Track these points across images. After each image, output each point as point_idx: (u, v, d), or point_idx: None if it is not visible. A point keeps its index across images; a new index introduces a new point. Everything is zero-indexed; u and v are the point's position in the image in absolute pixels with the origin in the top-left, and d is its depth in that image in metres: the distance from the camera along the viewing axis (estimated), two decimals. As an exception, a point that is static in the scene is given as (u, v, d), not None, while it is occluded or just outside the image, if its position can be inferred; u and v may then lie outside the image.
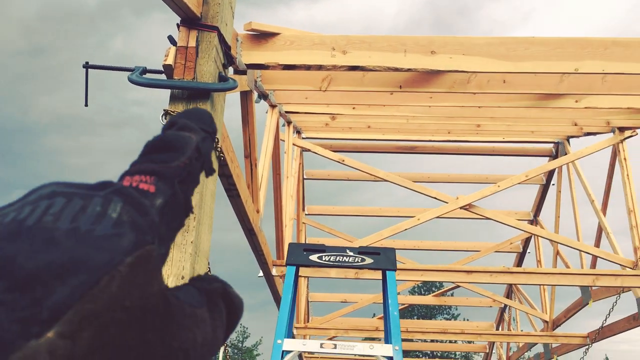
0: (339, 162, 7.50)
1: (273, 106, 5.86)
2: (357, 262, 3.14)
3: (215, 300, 0.49)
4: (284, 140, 7.09)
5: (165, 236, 0.47)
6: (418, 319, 35.95)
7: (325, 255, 3.17)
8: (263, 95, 5.31)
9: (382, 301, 3.17)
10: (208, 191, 2.68)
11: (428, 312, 38.70)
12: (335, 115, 6.62)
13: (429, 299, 14.42)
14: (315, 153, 7.64)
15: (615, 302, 6.27)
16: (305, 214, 9.94)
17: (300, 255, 3.20)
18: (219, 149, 2.77)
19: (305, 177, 9.49)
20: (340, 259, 3.16)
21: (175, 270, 2.39)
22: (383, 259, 3.15)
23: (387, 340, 2.80)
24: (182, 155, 0.55)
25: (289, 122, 7.16)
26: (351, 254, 3.17)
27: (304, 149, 8.09)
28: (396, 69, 3.68)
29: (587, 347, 7.58)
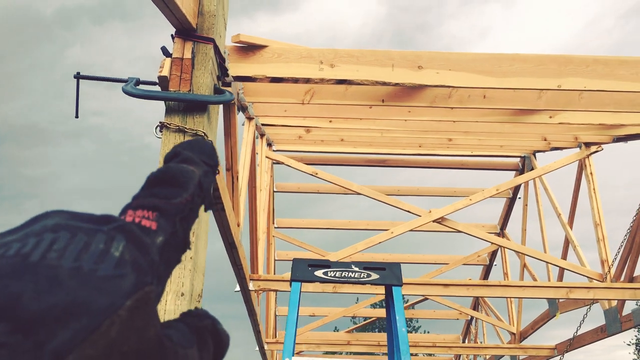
0: (312, 174, 7.48)
1: (250, 118, 5.81)
2: (363, 277, 3.11)
3: (205, 338, 0.50)
4: (257, 153, 7.04)
5: (163, 274, 0.47)
6: (380, 332, 36.02)
7: (330, 271, 3.13)
8: (242, 108, 5.26)
9: (387, 315, 3.14)
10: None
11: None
12: (310, 128, 6.61)
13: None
14: (289, 166, 7.61)
15: (586, 314, 6.40)
16: (275, 227, 9.87)
17: (305, 271, 3.16)
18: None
19: (275, 189, 9.44)
20: (346, 275, 3.13)
21: (175, 287, 2.32)
22: (389, 275, 3.13)
23: (395, 357, 2.77)
24: (184, 191, 0.55)
25: (262, 135, 7.11)
26: (357, 269, 3.14)
27: (276, 162, 8.04)
28: (384, 83, 3.69)
29: (558, 358, 7.70)
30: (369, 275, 3.13)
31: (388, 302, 3.14)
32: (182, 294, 2.32)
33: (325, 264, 3.21)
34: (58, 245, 0.41)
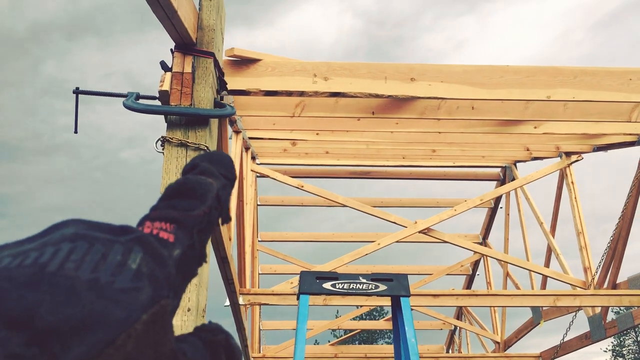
0: (297, 187, 7.48)
1: (237, 132, 5.80)
2: (371, 289, 3.11)
3: (219, 353, 0.50)
4: (243, 167, 7.02)
5: (179, 288, 0.47)
6: (360, 344, 35.99)
7: (338, 283, 3.12)
8: (230, 121, 5.25)
9: (393, 326, 3.14)
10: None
11: (370, 337, 38.83)
12: (296, 141, 6.62)
13: (380, 324, 14.45)
14: (274, 179, 7.60)
15: (572, 321, 6.47)
16: (259, 241, 9.82)
17: (313, 283, 3.15)
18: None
19: (259, 203, 9.40)
20: (354, 287, 3.12)
21: (182, 303, 2.30)
22: (396, 285, 3.13)
23: (406, 368, 2.78)
24: (203, 203, 0.55)
25: (247, 148, 7.10)
26: (364, 281, 3.14)
27: (260, 175, 8.03)
28: (377, 96, 3.72)
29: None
30: (377, 287, 3.13)
31: (396, 313, 3.14)
32: (189, 309, 2.30)
33: (333, 276, 3.20)
34: (76, 256, 0.41)
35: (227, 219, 0.61)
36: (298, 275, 3.76)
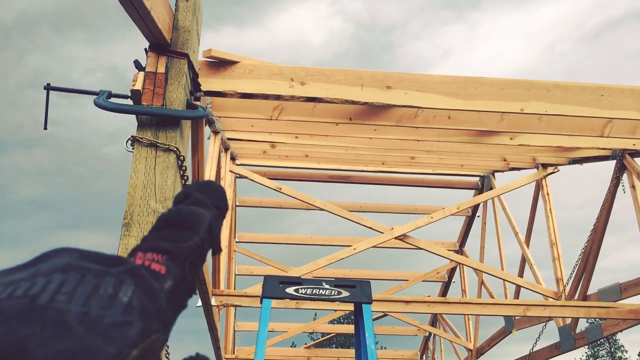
0: (275, 189, 7.48)
1: (216, 132, 5.80)
2: (334, 295, 3.13)
3: None
4: (221, 167, 7.01)
5: (169, 321, 0.47)
6: (337, 347, 36.00)
7: (302, 288, 3.14)
8: (209, 122, 5.24)
9: (355, 332, 3.17)
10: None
11: (347, 341, 38.83)
12: (275, 143, 6.63)
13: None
14: (252, 180, 7.59)
15: (542, 331, 6.55)
16: (236, 242, 9.80)
17: (277, 288, 3.16)
18: (186, 177, 2.71)
19: (237, 204, 9.38)
20: (317, 292, 3.14)
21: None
22: (359, 292, 3.16)
23: (365, 374, 2.81)
24: (195, 235, 0.55)
25: (226, 149, 7.09)
26: (327, 286, 3.16)
27: (239, 176, 8.02)
28: (353, 102, 3.75)
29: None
30: (339, 293, 3.15)
31: (357, 319, 3.17)
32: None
33: (296, 281, 3.22)
34: (67, 288, 0.40)
35: (218, 250, 0.60)
36: None
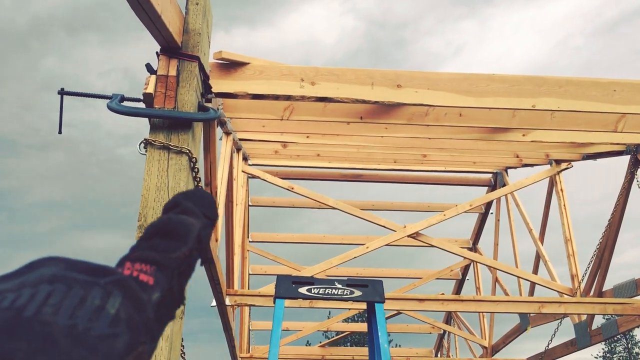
0: (288, 189, 7.50)
1: (228, 133, 5.82)
2: (346, 294, 3.15)
3: None
4: (234, 167, 7.04)
5: (156, 332, 0.47)
6: (351, 345, 36.02)
7: (314, 288, 3.16)
8: (220, 123, 5.27)
9: (368, 331, 3.19)
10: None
11: (361, 339, 38.83)
12: (287, 143, 6.64)
13: (368, 326, 14.45)
14: (264, 180, 7.61)
15: (557, 329, 6.51)
16: (250, 241, 9.84)
17: (290, 287, 3.18)
18: (198, 179, 2.73)
19: (250, 204, 9.42)
20: (330, 292, 3.16)
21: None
22: (371, 291, 3.18)
23: (379, 373, 2.82)
24: (184, 245, 0.55)
25: (238, 149, 7.12)
26: (340, 286, 3.17)
27: (251, 176, 8.05)
28: (363, 101, 3.75)
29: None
30: (352, 292, 3.16)
31: (370, 318, 3.18)
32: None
33: (309, 281, 3.24)
34: (54, 300, 0.40)
35: (208, 261, 0.60)
36: None
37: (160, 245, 0.52)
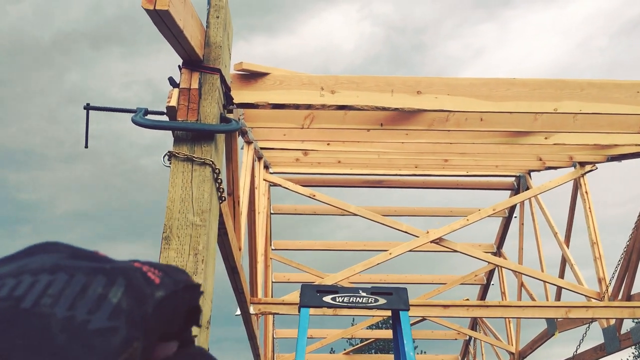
0: (309, 196, 7.52)
1: (249, 142, 5.87)
2: (371, 302, 3.16)
3: None
4: (255, 176, 7.09)
5: (151, 331, 0.45)
6: (376, 352, 35.81)
7: (339, 297, 3.17)
8: (242, 132, 5.32)
9: (393, 339, 3.18)
10: (212, 232, 2.66)
11: (386, 346, 38.62)
12: (308, 151, 6.67)
13: (392, 332, 14.38)
14: (286, 188, 7.65)
15: (585, 333, 6.43)
16: (272, 249, 9.87)
17: (314, 296, 3.20)
18: (221, 189, 2.76)
19: (272, 211, 9.46)
20: (354, 300, 3.17)
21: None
22: (396, 299, 3.18)
23: (404, 380, 2.82)
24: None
25: (259, 158, 7.17)
26: (364, 294, 3.18)
27: (273, 184, 8.09)
28: (383, 108, 3.76)
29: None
30: (376, 300, 3.17)
31: (395, 326, 3.17)
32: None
33: (333, 290, 3.25)
34: (53, 290, 0.39)
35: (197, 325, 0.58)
36: None
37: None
